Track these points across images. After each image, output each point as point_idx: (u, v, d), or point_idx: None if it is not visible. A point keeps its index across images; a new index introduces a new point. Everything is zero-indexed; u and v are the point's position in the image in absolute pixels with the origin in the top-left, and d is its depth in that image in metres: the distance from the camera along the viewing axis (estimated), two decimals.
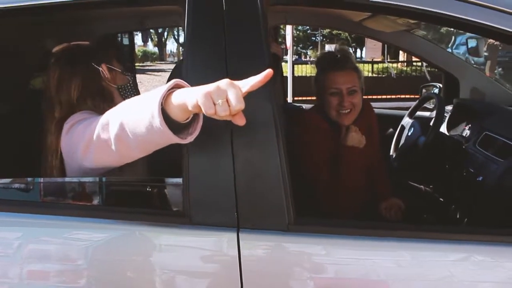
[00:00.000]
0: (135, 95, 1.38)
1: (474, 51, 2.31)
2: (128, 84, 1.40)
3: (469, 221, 1.80)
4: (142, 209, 1.03)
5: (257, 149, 0.95)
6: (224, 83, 0.80)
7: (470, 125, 2.06)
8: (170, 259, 0.99)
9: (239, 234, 0.94)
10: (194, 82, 0.89)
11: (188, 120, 0.90)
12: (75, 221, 1.02)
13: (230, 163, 0.95)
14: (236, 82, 0.81)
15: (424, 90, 2.76)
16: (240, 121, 0.82)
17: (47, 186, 1.28)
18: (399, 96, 10.31)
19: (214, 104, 0.79)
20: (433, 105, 2.54)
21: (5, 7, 1.12)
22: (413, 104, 2.37)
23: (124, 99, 1.30)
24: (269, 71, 0.81)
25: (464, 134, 2.06)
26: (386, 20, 1.86)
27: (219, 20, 0.99)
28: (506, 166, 1.60)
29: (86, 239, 1.02)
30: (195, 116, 0.91)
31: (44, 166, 1.27)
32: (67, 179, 1.23)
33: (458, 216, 1.88)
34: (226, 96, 0.78)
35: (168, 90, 0.87)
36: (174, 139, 0.88)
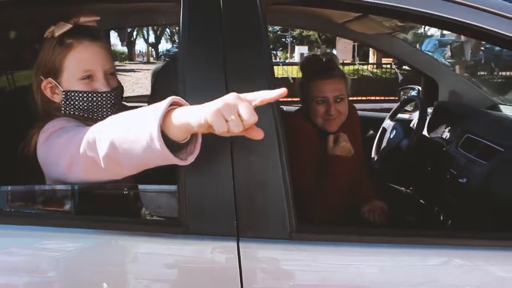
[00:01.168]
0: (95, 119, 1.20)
1: (458, 53, 2.36)
2: (71, 109, 1.19)
3: (453, 223, 1.83)
4: (132, 218, 0.98)
5: (258, 156, 0.93)
6: (231, 97, 0.76)
7: (449, 128, 2.10)
8: (166, 270, 0.95)
9: (239, 243, 0.91)
10: (191, 84, 0.86)
11: (186, 140, 0.86)
12: (63, 232, 0.97)
13: (229, 170, 0.92)
14: (244, 95, 0.77)
15: (402, 93, 2.81)
16: (258, 134, 0.78)
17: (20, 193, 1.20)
18: (369, 97, 10.52)
19: (226, 121, 0.74)
20: (411, 108, 2.58)
21: None
22: (384, 105, 2.39)
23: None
24: (284, 90, 0.77)
25: (444, 137, 2.10)
26: (370, 22, 1.87)
27: (216, 18, 0.96)
28: (490, 168, 1.63)
29: (75, 249, 0.98)
30: (193, 134, 0.87)
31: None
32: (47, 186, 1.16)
33: (441, 218, 1.91)
34: (237, 111, 0.74)
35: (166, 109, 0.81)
36: (174, 161, 0.83)
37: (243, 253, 0.91)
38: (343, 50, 11.94)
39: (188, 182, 0.92)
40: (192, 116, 0.78)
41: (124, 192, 1.14)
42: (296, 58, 19.03)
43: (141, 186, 1.05)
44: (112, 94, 1.21)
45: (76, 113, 1.19)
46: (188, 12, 0.96)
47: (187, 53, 0.96)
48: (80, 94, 1.17)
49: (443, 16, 1.03)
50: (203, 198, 0.93)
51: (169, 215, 1.13)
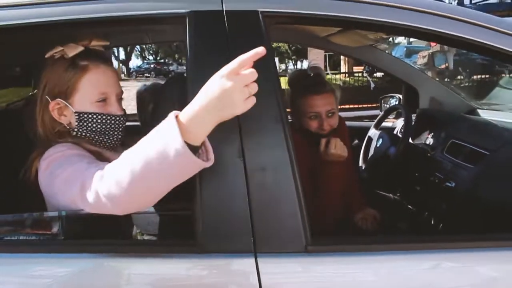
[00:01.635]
0: (104, 143, 1.22)
1: (439, 61, 2.44)
2: (84, 130, 1.18)
3: (443, 227, 1.88)
4: (148, 240, 0.98)
5: (271, 172, 0.95)
6: (232, 81, 0.84)
7: (433, 134, 2.16)
8: None
9: (257, 259, 0.93)
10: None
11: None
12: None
13: (243, 187, 0.93)
14: (229, 65, 0.86)
15: (383, 101, 2.87)
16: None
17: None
18: (343, 106, 10.68)
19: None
20: (393, 115, 2.65)
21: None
22: (358, 113, 2.45)
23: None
24: (261, 49, 0.86)
25: (428, 143, 2.16)
26: (354, 35, 1.92)
27: (222, 42, 0.99)
28: (477, 171, 1.69)
29: (94, 271, 0.97)
30: None
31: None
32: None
33: (432, 223, 1.96)
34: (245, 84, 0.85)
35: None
36: (200, 163, 0.88)
37: (261, 268, 0.92)
38: (314, 60, 12.13)
39: (203, 201, 0.93)
40: (220, 117, 0.87)
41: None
42: None
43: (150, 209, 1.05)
44: (124, 118, 1.23)
45: (88, 134, 1.19)
46: (194, 33, 0.99)
47: (194, 73, 0.98)
48: (95, 116, 1.18)
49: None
50: (217, 215, 0.94)
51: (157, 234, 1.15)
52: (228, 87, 0.84)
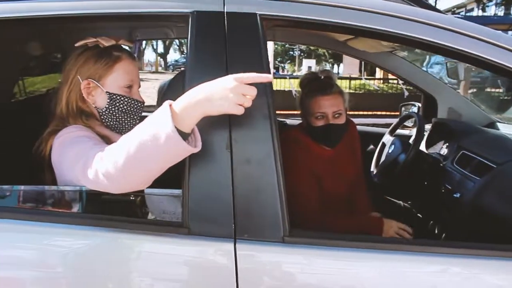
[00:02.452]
0: (122, 126, 1.36)
1: (452, 73, 2.44)
2: (112, 110, 1.33)
3: (447, 236, 1.90)
4: (141, 219, 1.07)
5: (255, 164, 1.02)
6: (234, 83, 0.96)
7: (447, 144, 2.17)
8: (169, 269, 1.03)
9: (236, 245, 1.00)
10: None
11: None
12: (71, 229, 1.05)
13: (229, 176, 1.00)
14: (238, 75, 0.97)
15: (403, 109, 2.88)
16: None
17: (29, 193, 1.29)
18: (375, 112, 10.60)
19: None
20: (412, 123, 2.66)
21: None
22: (389, 120, 2.47)
23: (105, 126, 1.34)
24: (270, 76, 0.98)
25: (442, 153, 2.17)
26: (370, 41, 1.96)
27: (221, 41, 1.06)
28: (482, 183, 1.70)
29: (81, 246, 1.06)
30: None
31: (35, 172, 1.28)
32: (54, 187, 1.24)
33: (436, 232, 1.98)
34: (243, 92, 0.96)
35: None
36: (189, 149, 0.97)
37: (239, 253, 0.99)
38: (349, 64, 12.11)
39: (191, 186, 1.01)
40: (208, 110, 0.97)
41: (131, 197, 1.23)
42: (304, 71, 19.16)
43: (147, 190, 1.13)
44: (143, 105, 1.39)
45: (113, 114, 1.33)
46: (195, 32, 1.06)
47: (194, 70, 1.06)
48: (123, 98, 1.33)
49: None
50: (204, 202, 1.01)
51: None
52: (229, 86, 0.96)
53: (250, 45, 1.06)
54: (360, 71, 16.52)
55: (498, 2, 24.36)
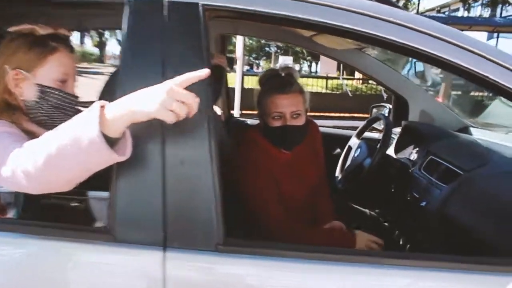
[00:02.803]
0: (52, 121, 1.27)
1: (420, 76, 2.43)
2: (42, 103, 1.25)
3: (412, 247, 1.87)
4: (62, 224, 1.01)
5: (190, 166, 0.97)
6: (166, 88, 0.90)
7: (417, 149, 2.15)
8: (92, 278, 0.98)
9: (165, 253, 0.96)
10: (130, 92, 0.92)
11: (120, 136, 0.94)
12: None
13: (160, 178, 0.96)
14: (174, 80, 0.92)
15: (374, 110, 2.86)
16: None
17: None
18: (353, 114, 10.67)
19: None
20: (382, 126, 2.63)
21: None
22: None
23: (32, 121, 1.26)
24: (207, 71, 0.92)
25: (411, 158, 2.15)
26: (335, 37, 1.91)
27: (158, 29, 1.01)
28: (448, 191, 1.67)
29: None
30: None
31: None
32: None
33: (401, 242, 1.95)
34: (177, 99, 0.89)
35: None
36: (114, 157, 0.91)
37: (168, 263, 0.95)
38: (327, 62, 12.16)
39: (118, 188, 0.96)
40: (136, 112, 0.90)
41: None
42: None
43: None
44: (78, 101, 1.31)
45: (41, 109, 1.25)
46: (131, 22, 1.01)
47: (127, 64, 1.00)
48: (55, 91, 1.26)
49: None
50: (131, 206, 0.97)
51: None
52: (161, 90, 0.91)
53: (190, 37, 1.00)
54: (339, 70, 16.61)
55: (484, 2, 24.89)
